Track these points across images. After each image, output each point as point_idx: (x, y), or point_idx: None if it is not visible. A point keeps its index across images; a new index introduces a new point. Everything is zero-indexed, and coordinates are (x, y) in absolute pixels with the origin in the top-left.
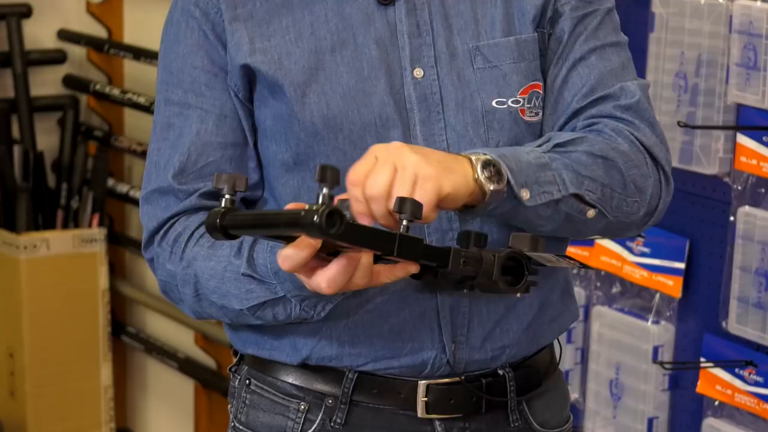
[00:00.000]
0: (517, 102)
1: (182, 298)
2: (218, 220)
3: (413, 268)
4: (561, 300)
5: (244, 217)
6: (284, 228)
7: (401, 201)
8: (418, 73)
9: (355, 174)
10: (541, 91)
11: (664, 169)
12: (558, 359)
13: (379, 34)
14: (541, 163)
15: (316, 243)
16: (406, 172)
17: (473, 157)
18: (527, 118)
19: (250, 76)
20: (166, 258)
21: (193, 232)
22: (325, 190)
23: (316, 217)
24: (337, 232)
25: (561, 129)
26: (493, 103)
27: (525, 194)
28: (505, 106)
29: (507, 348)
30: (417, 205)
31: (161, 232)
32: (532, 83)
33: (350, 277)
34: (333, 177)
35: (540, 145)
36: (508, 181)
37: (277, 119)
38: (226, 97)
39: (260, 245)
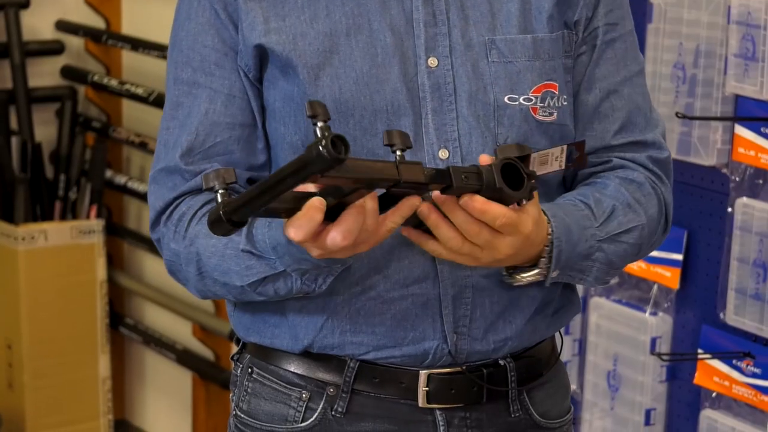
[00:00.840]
0: (529, 100)
1: (187, 277)
2: (221, 212)
3: (416, 201)
4: (563, 293)
5: (244, 196)
6: (291, 179)
7: (389, 133)
8: (433, 62)
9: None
10: (556, 92)
11: (668, 218)
12: (559, 350)
13: (394, 21)
14: (587, 254)
15: (322, 206)
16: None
17: (544, 256)
18: (539, 117)
19: (262, 56)
20: (170, 237)
21: (196, 211)
22: (320, 124)
23: (321, 147)
24: (346, 155)
25: (593, 157)
26: (506, 99)
27: (554, 274)
28: (517, 103)
29: (509, 340)
30: (404, 135)
31: (167, 211)
32: (546, 82)
33: (361, 224)
34: (323, 110)
35: (604, 222)
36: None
37: (287, 101)
38: (235, 77)
39: (259, 221)
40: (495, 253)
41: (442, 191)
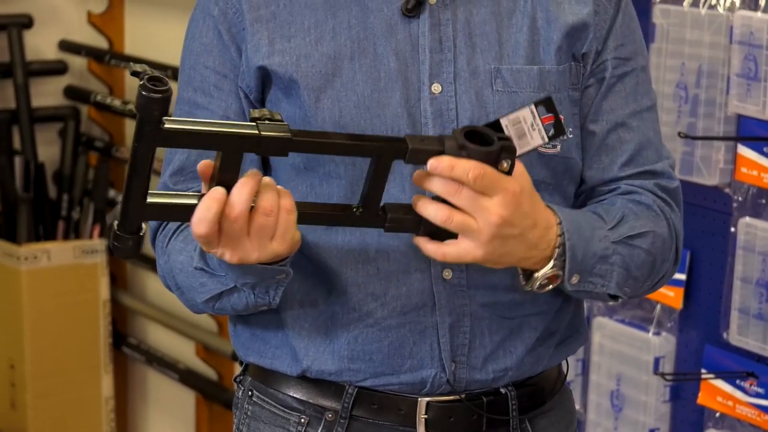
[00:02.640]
0: None
1: (173, 290)
2: (114, 228)
3: (258, 177)
4: (570, 325)
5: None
6: (137, 145)
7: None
8: (436, 88)
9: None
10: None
11: (679, 250)
12: (565, 376)
13: (400, 46)
14: (604, 255)
15: (219, 195)
16: (502, 229)
17: (555, 251)
18: (541, 149)
19: (264, 78)
20: (158, 253)
21: (177, 228)
22: (146, 77)
23: (140, 87)
24: (165, 91)
25: (600, 187)
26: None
27: (575, 279)
28: None
29: (509, 370)
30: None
31: (159, 229)
32: (550, 115)
33: (214, 212)
34: (145, 68)
35: (615, 226)
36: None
37: (290, 122)
38: (232, 99)
39: None
40: (488, 215)
41: (406, 159)
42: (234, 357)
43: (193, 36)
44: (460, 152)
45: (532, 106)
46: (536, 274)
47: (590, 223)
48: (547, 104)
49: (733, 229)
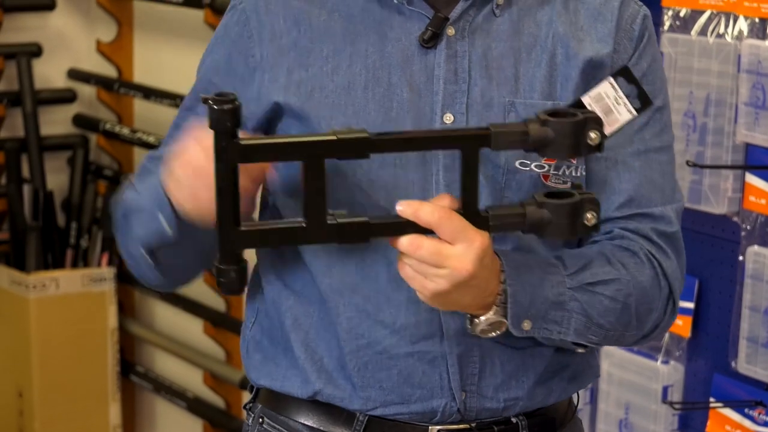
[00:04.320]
0: (542, 167)
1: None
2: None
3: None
4: (583, 358)
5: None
6: (217, 161)
7: None
8: (448, 118)
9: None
10: (573, 161)
11: (675, 300)
12: (576, 407)
13: (415, 76)
14: (558, 301)
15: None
16: (441, 271)
17: (497, 298)
18: (551, 184)
19: (277, 112)
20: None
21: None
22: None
23: (209, 103)
24: (233, 101)
25: None
26: (516, 164)
27: (526, 325)
28: (528, 168)
29: (520, 400)
30: None
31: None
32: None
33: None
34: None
35: (576, 272)
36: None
37: None
38: None
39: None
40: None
41: (492, 146)
42: (242, 385)
43: (210, 51)
44: (543, 129)
45: (611, 79)
46: (477, 320)
47: (543, 269)
48: (626, 75)
49: (741, 258)
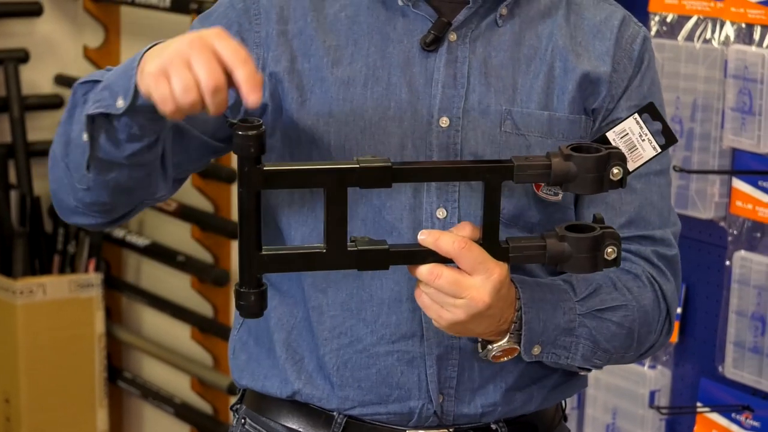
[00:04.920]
0: None
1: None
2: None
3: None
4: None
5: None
6: (241, 186)
7: None
8: (444, 122)
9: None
10: None
11: (671, 320)
12: (563, 415)
13: (414, 78)
14: (568, 328)
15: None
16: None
17: (512, 325)
18: (542, 194)
19: (276, 85)
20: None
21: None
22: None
23: (234, 128)
24: (258, 127)
25: None
26: None
27: (536, 350)
28: None
29: (498, 405)
30: None
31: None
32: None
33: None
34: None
35: (585, 298)
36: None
37: (296, 140)
38: None
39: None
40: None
41: (515, 179)
42: (230, 391)
43: (208, 19)
44: (567, 163)
45: (636, 115)
46: (490, 346)
47: (555, 295)
48: (651, 111)
49: (728, 263)
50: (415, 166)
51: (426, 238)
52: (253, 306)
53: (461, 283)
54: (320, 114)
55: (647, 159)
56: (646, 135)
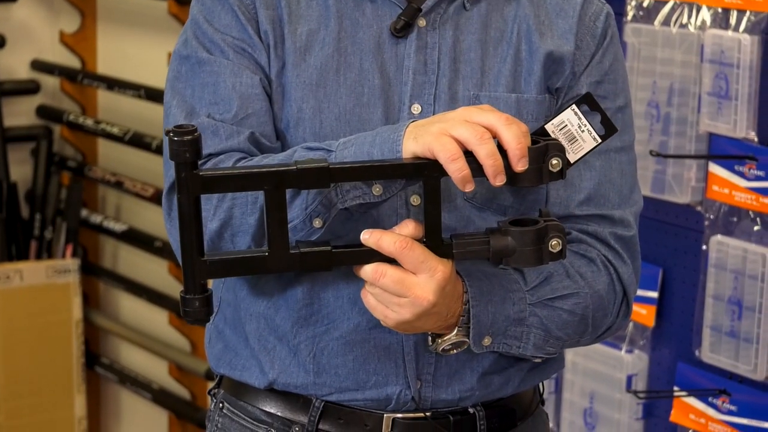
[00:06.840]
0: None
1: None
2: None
3: None
4: None
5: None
6: (179, 192)
7: None
8: (416, 109)
9: None
10: None
11: (629, 302)
12: (540, 399)
13: (385, 64)
14: (518, 318)
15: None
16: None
17: (460, 319)
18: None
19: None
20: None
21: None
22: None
23: (170, 136)
24: (192, 132)
25: None
26: None
27: (486, 341)
28: None
29: (476, 390)
30: None
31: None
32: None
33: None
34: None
35: (536, 287)
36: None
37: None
38: (255, 67)
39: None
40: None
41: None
42: (207, 376)
43: (210, 19)
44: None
45: (574, 107)
46: (439, 340)
47: (505, 286)
48: (588, 102)
49: (704, 247)
50: (353, 166)
51: (368, 238)
52: (199, 312)
53: (405, 282)
54: (294, 100)
55: (588, 150)
56: (585, 126)
